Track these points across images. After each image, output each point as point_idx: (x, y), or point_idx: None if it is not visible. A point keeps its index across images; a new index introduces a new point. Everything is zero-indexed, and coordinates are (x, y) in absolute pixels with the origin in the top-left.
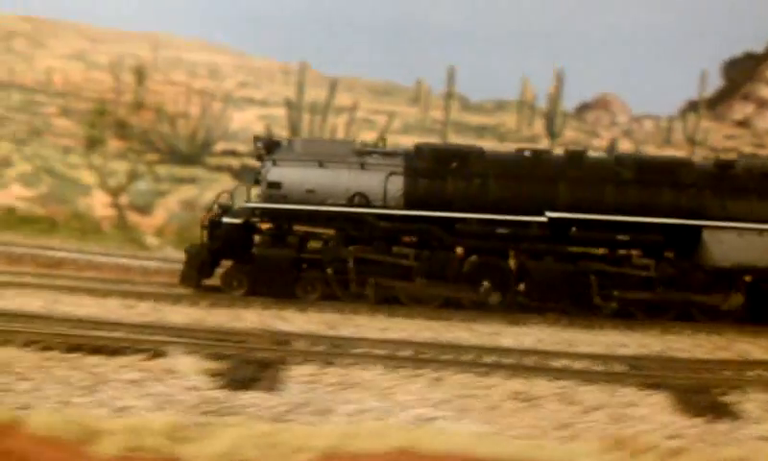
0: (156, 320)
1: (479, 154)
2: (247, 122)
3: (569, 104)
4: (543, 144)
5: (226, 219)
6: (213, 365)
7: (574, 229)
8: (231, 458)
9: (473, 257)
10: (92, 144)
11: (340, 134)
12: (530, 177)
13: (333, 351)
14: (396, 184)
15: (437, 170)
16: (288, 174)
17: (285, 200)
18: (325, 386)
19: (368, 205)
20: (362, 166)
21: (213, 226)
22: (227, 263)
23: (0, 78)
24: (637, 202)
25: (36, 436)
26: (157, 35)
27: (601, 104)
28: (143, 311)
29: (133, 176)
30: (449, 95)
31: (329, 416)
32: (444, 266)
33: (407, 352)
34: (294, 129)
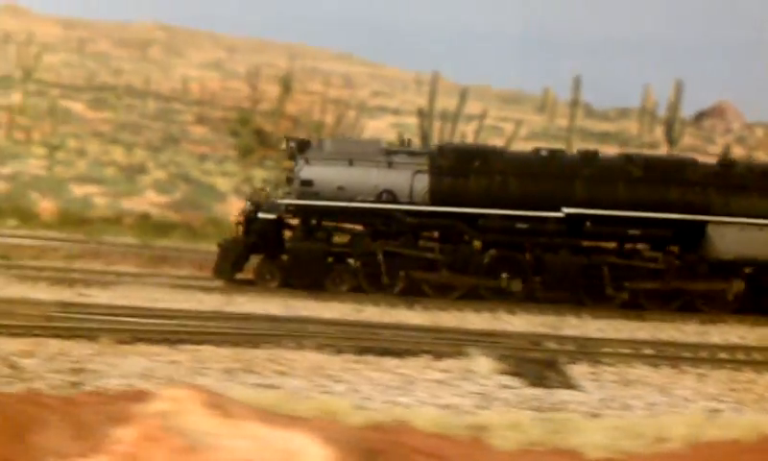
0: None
1: (499, 153)
2: (380, 130)
3: (687, 111)
4: (663, 150)
5: (261, 214)
6: (499, 365)
7: (588, 224)
8: (611, 448)
9: (493, 251)
10: (245, 153)
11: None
12: (547, 175)
13: (592, 351)
14: (422, 182)
15: (460, 168)
16: (319, 172)
17: (317, 197)
18: (610, 383)
19: (395, 201)
20: (389, 165)
21: (249, 221)
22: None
23: (136, 86)
24: (647, 198)
25: (427, 432)
26: (294, 45)
27: (717, 111)
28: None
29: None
30: (575, 103)
31: (631, 410)
32: (467, 259)
33: (650, 351)
34: (425, 136)
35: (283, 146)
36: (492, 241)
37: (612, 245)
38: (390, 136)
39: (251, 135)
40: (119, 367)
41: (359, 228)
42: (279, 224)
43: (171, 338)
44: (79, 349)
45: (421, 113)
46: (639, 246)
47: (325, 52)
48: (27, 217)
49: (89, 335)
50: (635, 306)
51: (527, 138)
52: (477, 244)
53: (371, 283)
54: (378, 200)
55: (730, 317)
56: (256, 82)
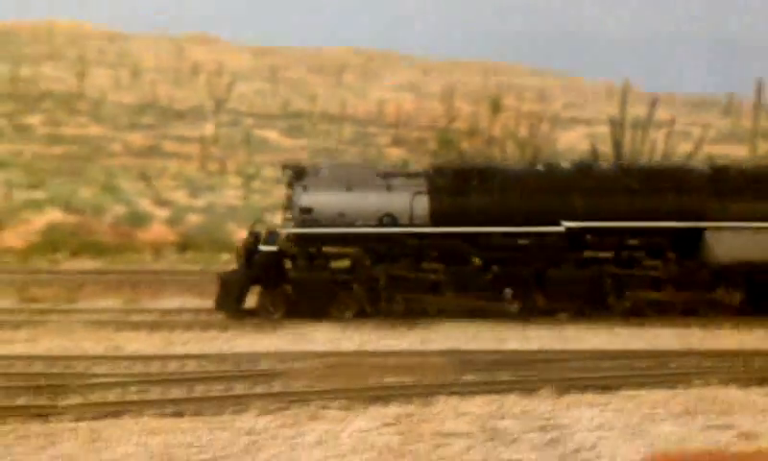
0: None
1: (497, 170)
2: (573, 141)
3: None
4: None
5: (263, 247)
6: None
7: (589, 236)
8: None
9: (495, 268)
10: None
11: (660, 148)
12: (545, 189)
13: None
14: (422, 203)
15: (458, 187)
16: (318, 199)
17: (317, 223)
18: None
19: (396, 224)
20: (388, 188)
21: (250, 253)
22: None
23: (332, 112)
24: (644, 207)
25: None
26: (487, 62)
27: None
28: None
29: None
30: (758, 106)
31: None
32: (470, 278)
33: None
34: (617, 145)
35: (280, 174)
36: (493, 258)
37: (612, 255)
38: (583, 147)
39: (449, 154)
40: (578, 419)
41: (359, 252)
42: (280, 254)
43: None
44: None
45: (613, 123)
46: (639, 254)
47: (518, 67)
48: (223, 248)
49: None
50: (636, 315)
51: (714, 142)
52: (477, 262)
53: (374, 308)
54: (379, 224)
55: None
56: (451, 101)
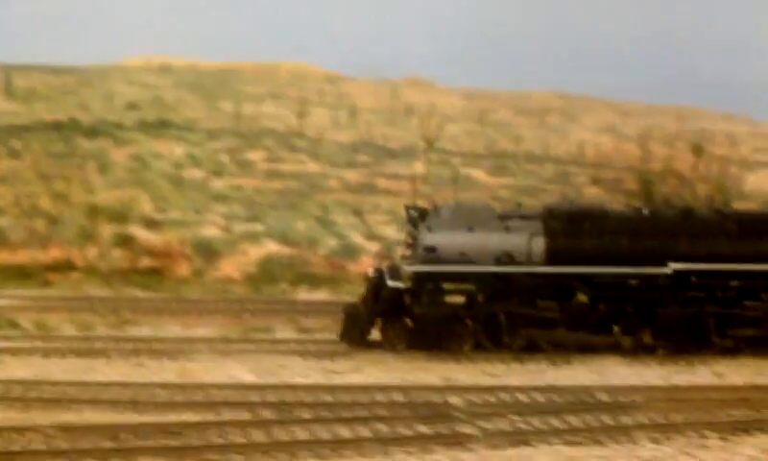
0: None
1: (606, 213)
2: (760, 183)
3: None
4: None
5: (391, 283)
6: None
7: (694, 278)
8: None
9: (605, 305)
10: None
11: None
12: (653, 232)
13: None
14: (539, 244)
15: (572, 230)
16: (441, 238)
17: (440, 262)
18: None
19: (514, 263)
20: (507, 229)
21: (376, 288)
22: None
23: (535, 152)
24: (743, 251)
25: None
26: (681, 108)
27: None
28: None
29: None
30: None
31: None
32: (583, 315)
33: None
34: None
35: (404, 214)
36: (605, 297)
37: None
38: None
39: (646, 195)
40: None
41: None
42: (404, 290)
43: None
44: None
45: None
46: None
47: (709, 112)
48: None
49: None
50: (737, 352)
51: None
52: (584, 298)
53: (492, 342)
54: (498, 263)
55: None
56: (647, 143)
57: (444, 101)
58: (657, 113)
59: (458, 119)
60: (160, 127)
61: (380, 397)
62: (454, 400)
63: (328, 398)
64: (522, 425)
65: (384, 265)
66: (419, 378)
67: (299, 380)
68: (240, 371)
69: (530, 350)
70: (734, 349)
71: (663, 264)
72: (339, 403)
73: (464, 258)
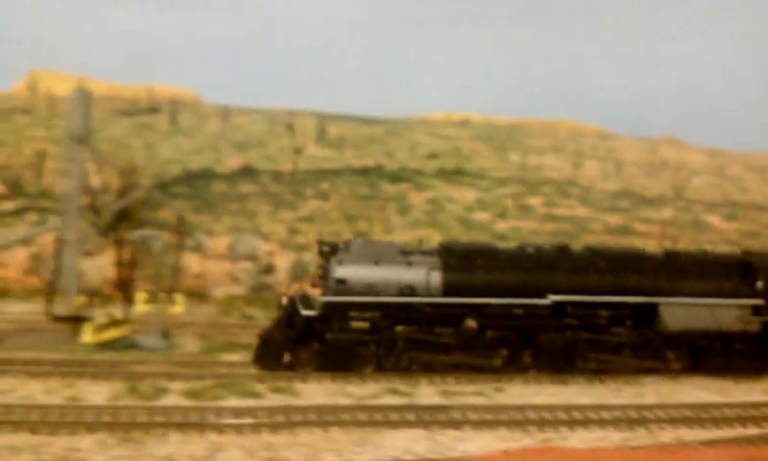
0: None
1: (496, 251)
2: None
3: None
4: None
5: (304, 312)
6: None
7: (569, 307)
8: None
9: (491, 332)
10: None
11: None
12: (535, 268)
13: None
14: (436, 277)
15: (466, 265)
16: (351, 271)
17: (350, 292)
18: None
19: (415, 294)
20: (408, 264)
21: (290, 316)
22: None
23: (760, 201)
24: (612, 285)
25: None
26: None
27: None
28: None
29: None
30: None
31: None
32: (474, 340)
33: None
34: None
35: (316, 249)
36: (494, 324)
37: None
38: None
39: None
40: None
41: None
42: (315, 317)
43: None
44: None
45: None
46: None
47: None
48: None
49: None
50: (600, 373)
51: None
52: (472, 324)
53: (392, 365)
54: (401, 294)
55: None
56: None
57: (691, 157)
58: None
59: (700, 173)
60: (456, 174)
61: None
62: None
63: None
64: None
65: (296, 294)
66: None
67: None
68: None
69: (426, 370)
70: (597, 371)
71: (544, 296)
72: None
73: (370, 290)
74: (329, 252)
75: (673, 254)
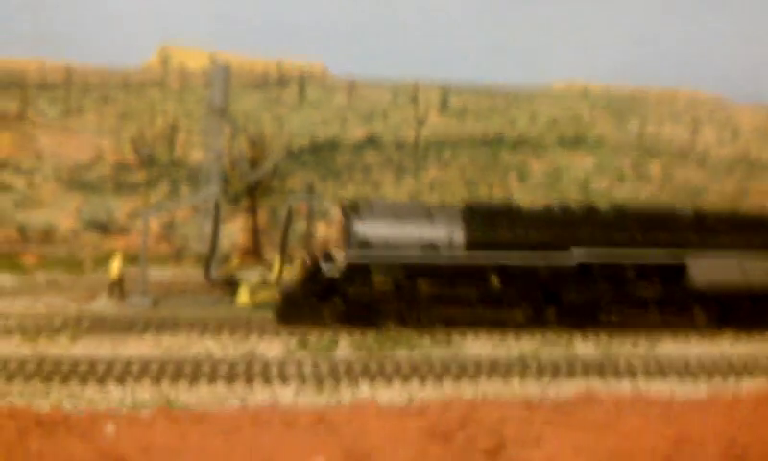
0: None
1: (520, 210)
2: None
3: None
4: None
5: (327, 271)
6: None
7: (595, 265)
8: None
9: (513, 288)
10: None
11: None
12: (559, 225)
13: None
14: (459, 235)
15: (489, 223)
16: (373, 230)
17: (372, 250)
18: None
19: (437, 251)
20: (431, 221)
21: (312, 274)
22: None
23: None
24: (639, 242)
25: None
26: None
27: None
28: None
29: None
30: None
31: None
32: (496, 296)
33: None
34: None
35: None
36: (517, 282)
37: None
38: None
39: None
40: None
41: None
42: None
43: None
44: None
45: None
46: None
47: None
48: None
49: None
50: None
51: None
52: (495, 281)
53: (415, 320)
54: (423, 251)
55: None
56: None
57: None
58: None
59: None
60: (575, 143)
61: None
62: None
63: None
64: None
65: (319, 252)
66: None
67: None
68: None
69: (449, 325)
70: (621, 324)
71: (568, 254)
72: None
73: (392, 248)
74: (352, 211)
75: (701, 212)
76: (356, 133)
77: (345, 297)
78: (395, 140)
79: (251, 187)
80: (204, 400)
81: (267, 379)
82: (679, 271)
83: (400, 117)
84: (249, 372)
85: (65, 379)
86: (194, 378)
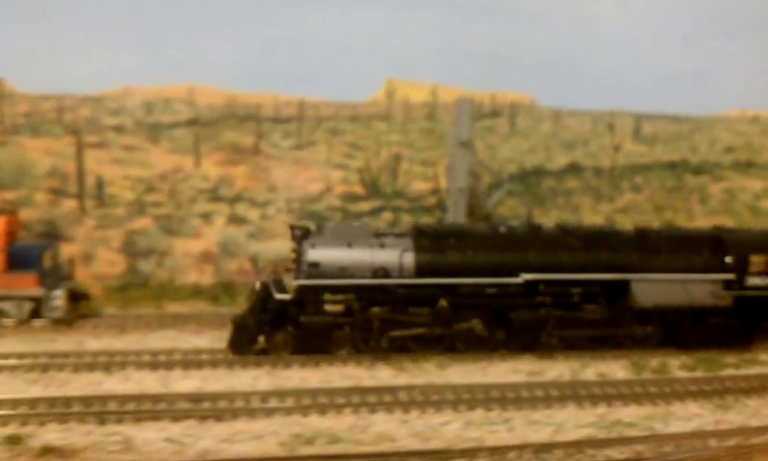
0: None
1: (468, 231)
2: None
3: None
4: None
5: (278, 296)
6: None
7: (542, 285)
8: None
9: (465, 311)
10: None
11: None
12: (507, 247)
13: None
14: (409, 259)
15: (438, 246)
16: (323, 254)
17: (323, 275)
18: None
19: (388, 276)
20: (382, 246)
21: (263, 300)
22: None
23: None
24: (584, 262)
25: None
26: None
27: None
28: None
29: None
30: None
31: None
32: (447, 320)
33: None
34: None
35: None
36: (467, 304)
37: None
38: None
39: None
40: None
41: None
42: (289, 301)
43: None
44: None
45: None
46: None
47: None
48: None
49: None
50: (572, 348)
51: None
52: (444, 304)
53: (366, 346)
54: (375, 276)
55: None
56: None
57: None
58: None
59: None
60: (747, 166)
61: None
62: None
63: None
64: None
65: (269, 278)
66: None
67: None
68: None
69: (400, 351)
70: (566, 347)
71: (516, 275)
72: None
73: (343, 272)
74: (302, 235)
75: (643, 231)
76: (560, 160)
77: (296, 323)
78: (593, 166)
79: (487, 215)
80: None
81: None
82: (623, 291)
83: (598, 144)
84: None
85: None
86: None
